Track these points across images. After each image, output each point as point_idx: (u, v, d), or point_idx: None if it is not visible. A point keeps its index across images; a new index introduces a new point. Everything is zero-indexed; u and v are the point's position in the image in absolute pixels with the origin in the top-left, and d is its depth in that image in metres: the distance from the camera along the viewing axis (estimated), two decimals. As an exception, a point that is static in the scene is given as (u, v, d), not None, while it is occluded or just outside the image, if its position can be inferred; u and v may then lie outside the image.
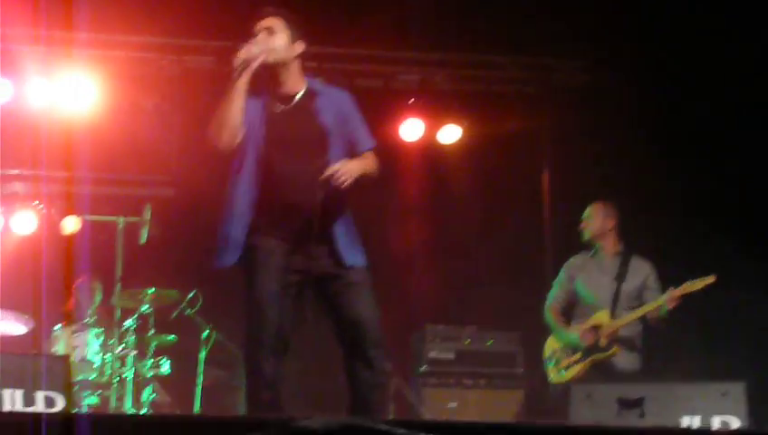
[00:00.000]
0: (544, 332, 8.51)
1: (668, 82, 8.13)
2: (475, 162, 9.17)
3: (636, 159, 8.04)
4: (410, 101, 9.08)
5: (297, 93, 5.05)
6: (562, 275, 7.37)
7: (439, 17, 8.31)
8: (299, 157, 4.91)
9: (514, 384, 7.94)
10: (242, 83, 4.84)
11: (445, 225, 9.11)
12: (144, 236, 7.85)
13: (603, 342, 6.86)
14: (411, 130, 9.04)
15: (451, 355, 7.96)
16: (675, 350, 7.45)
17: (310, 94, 5.05)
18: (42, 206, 8.76)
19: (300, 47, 5.03)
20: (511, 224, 8.98)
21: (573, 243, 7.50)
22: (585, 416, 5.31)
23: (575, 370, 6.95)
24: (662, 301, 6.73)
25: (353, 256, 4.95)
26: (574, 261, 7.37)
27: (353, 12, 8.16)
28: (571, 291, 7.27)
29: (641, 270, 7.10)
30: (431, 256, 9.09)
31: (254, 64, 4.86)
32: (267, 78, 5.00)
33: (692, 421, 5.22)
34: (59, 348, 7.65)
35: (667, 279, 6.94)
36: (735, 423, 5.12)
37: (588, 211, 7.28)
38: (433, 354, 7.96)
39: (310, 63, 8.56)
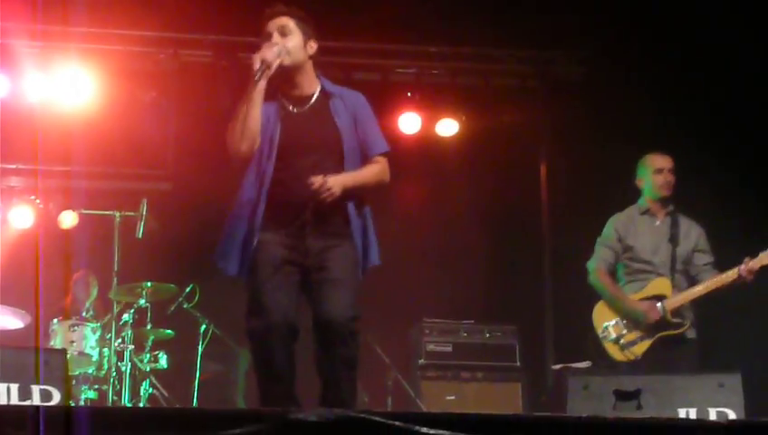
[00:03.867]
0: (542, 325, 8.54)
1: (667, 74, 8.12)
2: (473, 155, 9.17)
3: (635, 152, 8.02)
4: (408, 95, 9.08)
5: (312, 95, 4.96)
6: (610, 232, 6.69)
7: (436, 11, 8.32)
8: (314, 161, 4.83)
9: (512, 377, 7.96)
10: (261, 88, 4.75)
11: (443, 218, 9.11)
12: (141, 230, 7.83)
13: (669, 316, 6.39)
14: (409, 123, 9.04)
15: (449, 348, 7.97)
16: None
17: (324, 96, 4.96)
18: (39, 200, 8.78)
19: (313, 47, 4.95)
20: (508, 217, 8.98)
21: (571, 236, 7.48)
22: (582, 408, 5.30)
23: (644, 346, 6.42)
24: (737, 272, 6.25)
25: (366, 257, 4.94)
26: (621, 217, 6.73)
27: (351, 5, 8.16)
28: (620, 251, 6.64)
29: (692, 231, 6.60)
30: (429, 249, 9.10)
31: (273, 68, 4.76)
32: (282, 80, 4.90)
33: (689, 413, 5.21)
34: (56, 342, 7.65)
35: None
36: (732, 415, 5.11)
37: (667, 161, 6.64)
38: (431, 347, 7.97)
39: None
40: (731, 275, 6.30)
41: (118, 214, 7.86)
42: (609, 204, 6.99)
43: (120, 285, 7.76)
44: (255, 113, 4.74)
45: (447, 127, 9.21)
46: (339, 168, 4.85)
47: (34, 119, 8.39)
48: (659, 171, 6.62)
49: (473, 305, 8.56)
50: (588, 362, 7.55)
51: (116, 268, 7.75)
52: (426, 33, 8.75)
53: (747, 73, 7.88)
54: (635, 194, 6.82)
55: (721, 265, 6.52)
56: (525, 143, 9.09)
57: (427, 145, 9.20)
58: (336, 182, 4.74)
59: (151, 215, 7.91)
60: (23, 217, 8.87)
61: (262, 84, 4.74)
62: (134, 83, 8.93)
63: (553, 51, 9.00)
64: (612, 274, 6.67)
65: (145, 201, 7.82)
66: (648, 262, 6.55)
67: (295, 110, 4.92)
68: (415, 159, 8.83)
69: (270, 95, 4.87)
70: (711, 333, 6.88)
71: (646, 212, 6.67)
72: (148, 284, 7.84)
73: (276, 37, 4.85)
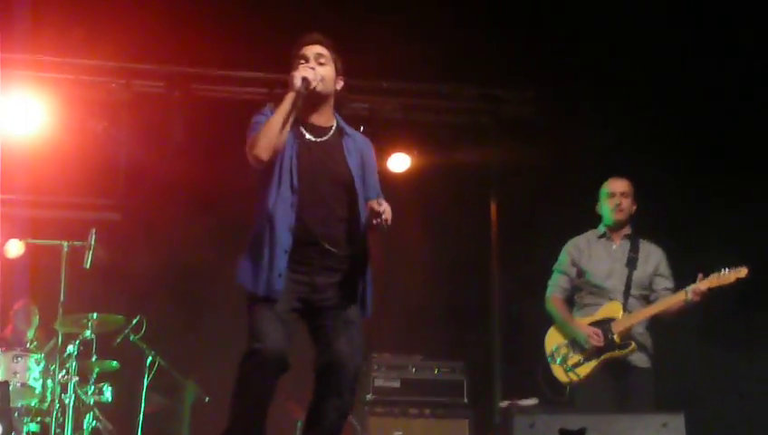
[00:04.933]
0: (490, 362, 8.55)
1: (617, 111, 8.22)
2: (425, 191, 9.19)
3: (585, 189, 8.08)
4: (361, 129, 9.07)
5: (330, 128, 4.96)
6: (564, 258, 6.71)
7: (388, 47, 8.35)
8: (324, 190, 4.82)
9: (460, 414, 7.91)
10: (298, 105, 4.74)
11: (391, 254, 9.10)
12: (89, 260, 7.76)
13: (618, 338, 6.32)
14: (360, 158, 9.04)
15: (396, 384, 7.93)
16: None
17: (339, 132, 4.98)
18: (-15, 229, 8.68)
19: (340, 84, 4.99)
20: (458, 253, 8.99)
21: (519, 273, 7.50)
22: (528, 446, 5.30)
23: (588, 368, 6.39)
24: (686, 294, 6.17)
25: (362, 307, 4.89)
26: (577, 241, 6.73)
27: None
28: (574, 277, 6.64)
29: (652, 255, 6.54)
30: (377, 284, 9.06)
31: (312, 87, 4.76)
32: (307, 105, 4.88)
33: (633, 452, 5.23)
34: (-2, 373, 7.54)
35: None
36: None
37: (619, 185, 6.62)
38: (379, 383, 7.93)
39: (261, 89, 8.72)
40: (679, 296, 6.23)
41: (66, 243, 7.80)
42: (559, 240, 6.99)
43: (65, 316, 7.68)
44: (285, 124, 4.71)
45: (399, 162, 9.22)
46: (346, 203, 4.84)
47: (-18, 147, 8.31)
48: (612, 195, 6.62)
49: (421, 341, 8.54)
50: (535, 398, 7.58)
51: (62, 299, 7.68)
52: (378, 68, 8.77)
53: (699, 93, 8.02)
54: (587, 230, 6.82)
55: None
56: (477, 180, 9.13)
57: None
58: (389, 209, 4.75)
59: (100, 245, 7.84)
60: (-32, 247, 8.76)
61: (296, 99, 4.74)
62: (85, 112, 8.88)
63: (505, 88, 9.06)
64: (569, 299, 6.68)
65: (94, 231, 7.75)
66: (600, 287, 6.52)
67: (313, 138, 4.90)
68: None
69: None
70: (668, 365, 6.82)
71: (603, 236, 6.66)
72: (95, 315, 7.75)
73: (313, 63, 4.87)
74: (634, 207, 6.63)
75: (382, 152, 9.17)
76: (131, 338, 8.03)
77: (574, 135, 8.30)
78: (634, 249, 6.55)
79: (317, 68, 4.84)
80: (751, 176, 7.69)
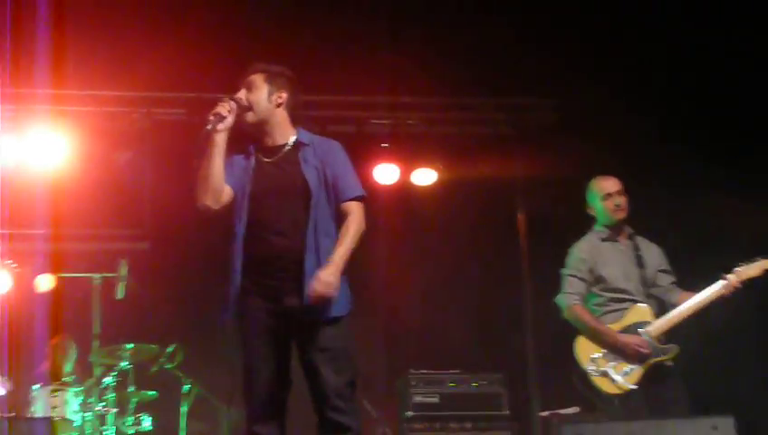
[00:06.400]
0: (525, 373, 8.50)
1: (641, 116, 8.19)
2: (451, 204, 9.17)
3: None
4: (384, 146, 9.09)
5: (284, 145, 5.02)
6: (579, 264, 6.40)
7: (408, 61, 8.35)
8: (282, 209, 4.88)
9: (501, 426, 7.88)
10: (217, 142, 4.82)
11: (423, 268, 9.09)
12: (121, 291, 7.76)
13: (656, 342, 6.12)
14: (385, 174, 9.06)
15: (436, 399, 7.90)
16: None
17: (296, 146, 5.01)
18: (16, 265, 8.68)
19: (282, 97, 5.01)
20: (488, 265, 8.97)
21: (551, 283, 7.45)
22: (575, 456, 5.26)
23: (636, 376, 6.12)
24: (720, 290, 6.05)
25: (322, 310, 4.81)
26: (584, 246, 6.46)
27: (323, 58, 8.18)
28: (592, 282, 6.35)
29: (652, 251, 6.41)
30: (411, 299, 9.07)
31: (228, 120, 4.83)
32: (253, 132, 5.00)
33: (683, 457, 5.17)
34: (37, 408, 7.53)
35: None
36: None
37: (612, 184, 6.44)
38: (418, 399, 7.90)
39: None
40: (714, 292, 6.08)
41: (97, 276, 7.80)
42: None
43: (101, 348, 7.69)
44: (215, 167, 4.81)
45: (424, 176, 9.22)
46: (306, 212, 4.86)
47: (9, 182, 8.33)
48: (609, 196, 6.44)
49: (457, 355, 8.51)
50: (575, 407, 7.54)
51: (96, 331, 7.68)
52: (399, 83, 8.77)
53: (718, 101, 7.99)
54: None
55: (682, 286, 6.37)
56: (503, 190, 9.10)
57: (404, 195, 9.20)
58: (331, 277, 4.72)
59: (130, 275, 7.85)
60: (1, 281, 8.76)
61: (218, 138, 4.81)
62: (108, 143, 8.92)
63: (527, 97, 9.04)
64: (583, 305, 6.40)
65: (125, 262, 7.76)
66: (623, 290, 6.31)
67: (266, 159, 4.98)
68: (392, 210, 8.82)
69: (243, 148, 4.98)
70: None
71: (607, 238, 6.43)
72: (130, 345, 7.75)
73: (242, 93, 4.97)
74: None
75: (406, 168, 9.18)
76: (167, 367, 8.02)
77: (599, 143, 8.26)
78: (637, 247, 6.40)
79: (246, 96, 4.93)
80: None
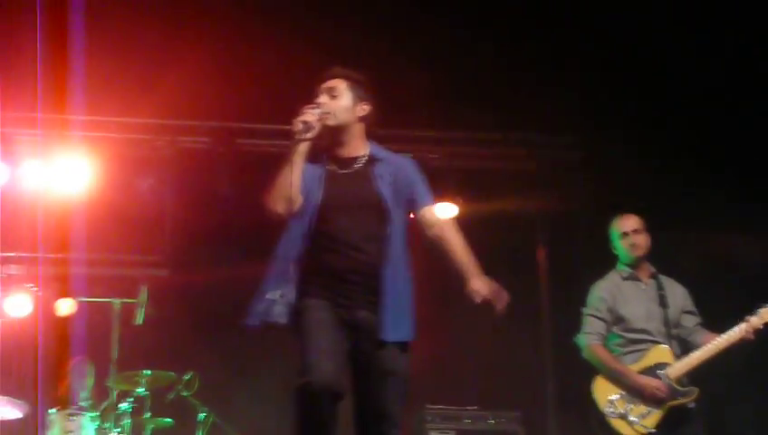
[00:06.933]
0: (545, 410, 8.45)
1: (664, 151, 8.19)
2: (472, 239, 9.09)
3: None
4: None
5: (358, 158, 4.92)
6: (599, 303, 6.43)
7: (432, 95, 8.37)
8: (354, 222, 4.81)
9: (517, 463, 7.86)
10: (300, 151, 4.70)
11: (442, 303, 9.05)
12: (140, 317, 7.78)
13: (677, 385, 6.15)
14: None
15: (452, 435, 7.88)
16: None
17: (370, 160, 4.92)
18: (37, 288, 8.71)
19: (365, 109, 4.92)
20: (509, 302, 8.92)
21: (572, 321, 7.43)
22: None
23: (654, 419, 6.14)
24: (743, 331, 6.06)
25: (394, 330, 4.81)
26: (605, 285, 6.50)
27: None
28: (612, 322, 6.39)
29: (677, 291, 6.42)
30: (428, 334, 9.01)
31: (315, 130, 4.72)
32: (329, 140, 4.88)
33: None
34: (54, 432, 7.52)
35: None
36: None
37: (629, 223, 6.51)
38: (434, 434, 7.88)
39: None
40: (736, 334, 6.10)
41: (117, 301, 7.82)
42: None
43: (118, 373, 7.68)
44: (294, 175, 4.68)
45: (446, 211, 9.20)
46: (382, 227, 4.83)
47: (33, 206, 8.38)
48: (625, 235, 6.50)
49: (474, 392, 8.47)
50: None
51: (115, 356, 7.68)
52: (422, 117, 8.78)
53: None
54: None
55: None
56: (524, 226, 9.09)
57: (424, 229, 9.15)
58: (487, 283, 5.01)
59: (149, 301, 7.86)
60: (21, 305, 8.78)
61: (302, 147, 4.70)
62: (131, 170, 8.96)
63: (549, 134, 9.04)
64: (603, 345, 6.42)
65: (145, 288, 7.78)
66: (644, 330, 6.33)
67: (340, 171, 4.90)
68: (412, 243, 8.79)
69: (317, 157, 4.85)
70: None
71: (629, 277, 6.48)
72: (148, 372, 7.75)
73: (324, 99, 4.85)
74: (649, 242, 6.48)
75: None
76: (183, 394, 8.01)
77: (619, 178, 8.25)
78: (660, 287, 6.41)
79: (329, 103, 4.82)
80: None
